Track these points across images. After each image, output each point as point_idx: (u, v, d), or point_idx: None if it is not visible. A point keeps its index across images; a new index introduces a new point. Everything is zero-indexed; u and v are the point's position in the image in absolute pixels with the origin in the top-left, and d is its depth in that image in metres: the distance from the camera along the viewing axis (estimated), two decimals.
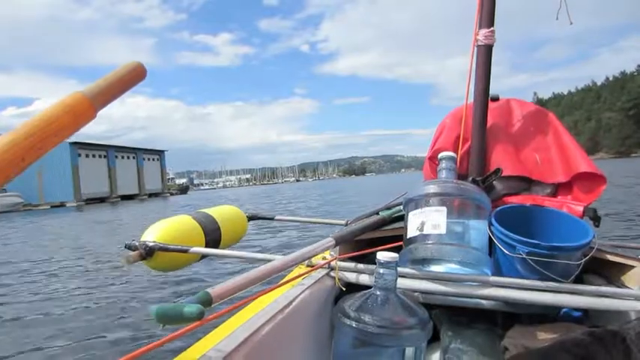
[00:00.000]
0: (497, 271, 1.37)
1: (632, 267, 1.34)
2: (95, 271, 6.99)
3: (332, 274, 1.38)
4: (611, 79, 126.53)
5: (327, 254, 1.45)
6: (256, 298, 1.08)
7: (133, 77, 0.74)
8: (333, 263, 1.38)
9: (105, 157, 58.60)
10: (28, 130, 0.57)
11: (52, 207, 46.34)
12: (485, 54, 1.66)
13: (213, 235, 1.81)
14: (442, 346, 1.30)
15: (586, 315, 1.39)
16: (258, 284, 0.99)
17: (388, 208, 1.75)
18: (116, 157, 60.66)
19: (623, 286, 1.37)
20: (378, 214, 1.73)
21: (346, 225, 2.12)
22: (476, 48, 1.66)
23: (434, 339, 1.27)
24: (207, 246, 1.74)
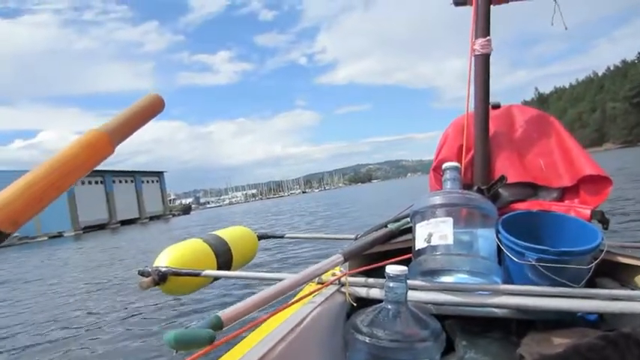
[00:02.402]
0: (508, 279, 1.39)
1: None
2: (101, 298, 7.02)
3: (342, 289, 1.41)
4: (612, 68, 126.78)
5: (337, 270, 1.49)
6: (268, 318, 1.11)
7: (150, 110, 0.76)
8: (343, 279, 1.41)
9: (102, 182, 58.82)
10: (45, 170, 0.58)
11: (49, 238, 46.31)
12: (483, 63, 1.71)
13: (224, 257, 1.85)
14: (457, 356, 1.33)
15: (601, 319, 1.40)
16: (269, 304, 1.03)
17: (396, 220, 1.79)
18: (113, 181, 60.88)
19: (636, 287, 1.39)
20: (386, 226, 1.76)
21: (355, 239, 2.15)
22: (473, 57, 1.71)
23: (448, 350, 1.30)
24: (218, 268, 1.78)
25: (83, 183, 54.42)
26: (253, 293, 1.02)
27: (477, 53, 1.69)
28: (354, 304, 1.35)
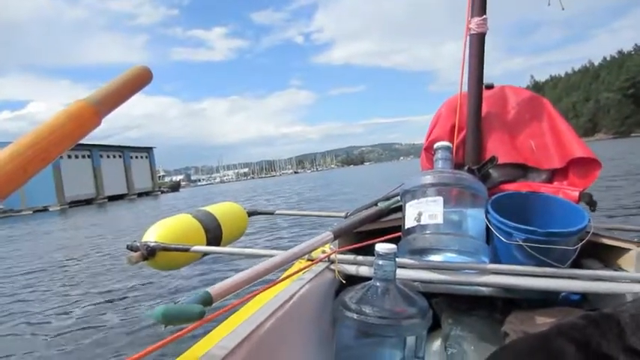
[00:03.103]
0: (495, 259, 1.42)
1: (628, 250, 1.39)
2: (90, 275, 7.02)
3: (332, 267, 1.42)
4: (608, 58, 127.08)
5: (326, 248, 1.50)
6: (257, 294, 1.11)
7: (138, 82, 0.74)
8: (332, 256, 1.43)
9: (89, 157, 58.04)
10: (31, 141, 0.58)
11: (34, 212, 45.88)
12: (478, 42, 1.70)
13: (214, 233, 1.86)
14: (443, 333, 1.36)
15: (585, 298, 1.44)
16: (259, 281, 1.03)
17: (387, 199, 1.80)
18: (101, 156, 60.07)
19: (619, 269, 1.42)
20: (377, 205, 1.78)
21: (346, 217, 2.16)
22: (468, 36, 1.70)
23: (435, 327, 1.34)
24: (208, 244, 1.78)
25: (70, 157, 53.55)
26: (243, 269, 1.02)
27: (472, 32, 1.68)
28: (343, 282, 1.37)
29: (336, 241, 1.52)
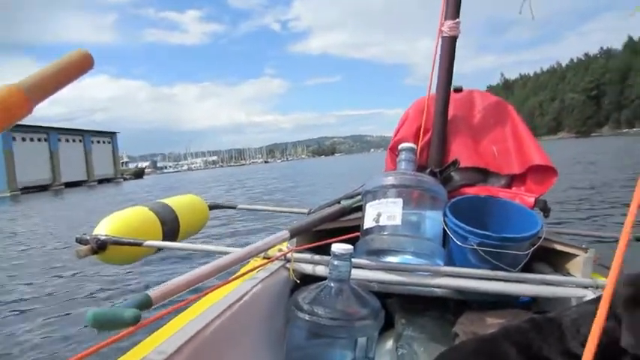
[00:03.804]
0: (450, 261, 1.46)
1: (576, 255, 1.45)
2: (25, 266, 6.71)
3: (287, 266, 1.43)
4: (575, 60, 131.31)
5: (283, 246, 1.50)
6: (208, 293, 1.10)
7: (77, 68, 0.69)
8: (289, 255, 1.43)
9: (46, 140, 54.86)
10: None
11: None
12: (450, 45, 1.72)
13: (170, 226, 1.83)
14: (395, 333, 1.39)
15: (534, 301, 1.50)
16: (210, 279, 1.03)
17: (350, 197, 1.81)
18: (59, 139, 56.94)
19: (567, 273, 1.49)
20: (339, 202, 1.79)
21: (308, 214, 2.17)
22: (440, 39, 1.72)
23: (388, 327, 1.36)
24: (164, 237, 1.75)
25: (24, 139, 50.32)
26: (200, 265, 1.01)
27: (444, 35, 1.70)
28: (297, 281, 1.38)
29: (294, 240, 1.52)
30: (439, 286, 1.36)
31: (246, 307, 1.13)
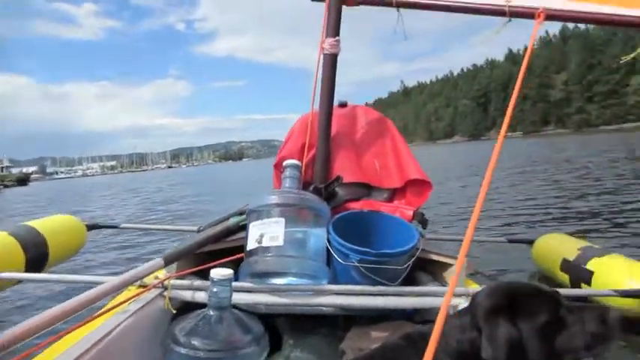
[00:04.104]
0: (335, 278, 1.46)
1: (451, 265, 1.53)
2: None
3: (165, 294, 1.34)
4: (465, 70, 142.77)
5: (161, 272, 1.40)
6: (72, 331, 0.99)
7: None
8: (166, 282, 1.34)
9: None
10: None
11: None
12: (331, 62, 1.74)
13: (36, 253, 1.64)
14: (283, 355, 1.36)
15: (417, 310, 1.55)
16: (77, 314, 0.92)
17: (240, 213, 1.76)
18: None
19: (444, 282, 1.56)
20: (229, 219, 1.73)
21: (198, 231, 2.08)
22: (322, 56, 1.74)
23: (278, 347, 1.33)
24: (27, 267, 1.57)
25: None
26: (68, 297, 0.90)
27: (325, 52, 1.72)
28: (173, 311, 1.30)
29: (174, 265, 1.44)
30: (325, 305, 1.36)
31: (115, 343, 1.03)
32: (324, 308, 1.39)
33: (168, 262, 1.33)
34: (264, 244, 1.37)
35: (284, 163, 1.61)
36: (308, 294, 1.35)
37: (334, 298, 1.35)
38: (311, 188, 1.64)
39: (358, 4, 1.75)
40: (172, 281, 1.35)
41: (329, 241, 1.44)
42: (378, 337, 1.35)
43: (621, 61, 1.96)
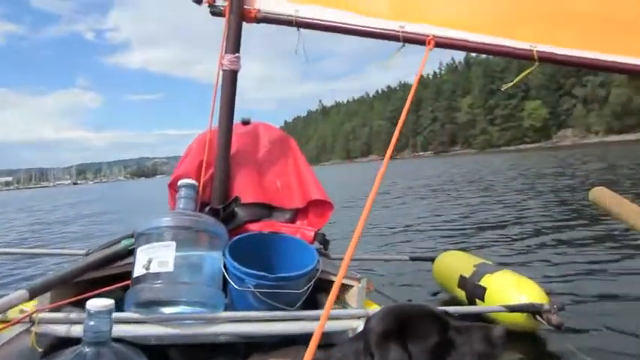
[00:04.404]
0: (232, 304, 1.40)
1: (352, 286, 1.52)
2: None
3: (33, 329, 1.19)
4: (380, 91, 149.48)
5: (29, 305, 1.24)
6: None
7: None
8: (34, 316, 1.19)
9: None
10: None
11: None
12: (230, 79, 1.70)
13: None
14: None
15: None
16: None
17: (132, 236, 1.63)
18: None
19: (347, 304, 1.55)
20: (120, 242, 1.60)
21: (86, 254, 1.91)
22: (221, 72, 1.69)
23: None
24: None
25: None
26: None
27: (224, 68, 1.68)
28: (40, 350, 1.15)
29: (47, 295, 1.28)
30: (221, 334, 1.29)
31: None
32: (220, 337, 1.32)
33: (35, 293, 1.19)
34: (152, 270, 1.27)
35: (179, 183, 1.53)
36: (201, 323, 1.27)
37: (230, 325, 1.28)
38: (207, 209, 1.57)
39: (258, 21, 1.73)
40: (43, 314, 1.20)
41: (225, 266, 1.38)
42: None
43: (503, 89, 2.12)
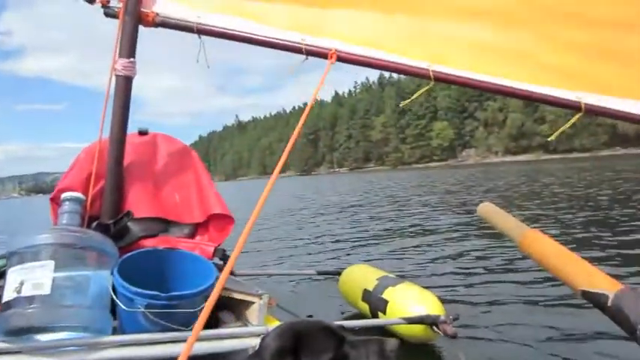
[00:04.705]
0: (121, 327, 1.30)
1: (253, 303, 1.49)
2: None
3: None
4: (297, 108, 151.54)
5: None
6: None
7: None
8: None
9: None
10: None
11: None
12: (124, 85, 1.61)
13: None
14: None
15: (220, 354, 1.46)
16: None
17: (3, 257, 1.47)
18: None
19: (247, 321, 1.51)
20: None
21: None
22: (114, 77, 1.59)
23: None
24: None
25: None
26: None
27: (118, 74, 1.58)
28: None
29: None
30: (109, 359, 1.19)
31: None
32: None
33: None
34: (25, 293, 1.15)
35: (62, 196, 1.41)
36: (84, 349, 1.17)
37: (119, 350, 1.19)
38: (94, 225, 1.46)
39: (157, 25, 1.66)
40: None
41: (113, 286, 1.28)
42: None
43: (401, 105, 2.24)
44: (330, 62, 1.51)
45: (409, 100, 1.90)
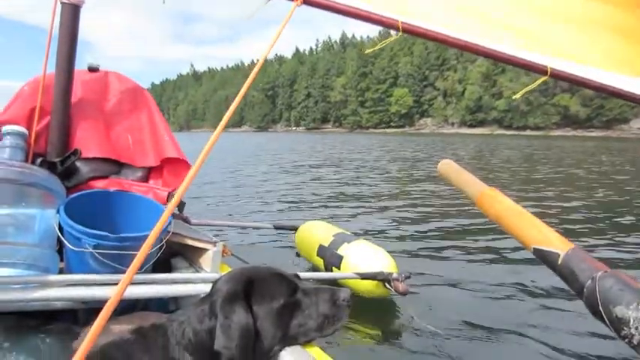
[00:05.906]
0: (68, 267, 1.28)
1: (207, 250, 1.49)
2: None
3: None
4: (255, 61, 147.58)
5: None
6: None
7: None
8: None
9: None
10: None
11: None
12: (71, 14, 1.50)
13: None
14: None
15: (175, 299, 1.47)
16: None
17: None
18: None
19: (201, 268, 1.51)
20: None
21: None
22: (60, 5, 1.48)
23: None
24: None
25: None
26: None
27: (64, 1, 1.47)
28: None
29: None
30: (54, 299, 1.17)
31: None
32: (56, 302, 1.20)
33: None
34: None
35: (3, 129, 1.33)
36: (30, 287, 1.14)
37: (66, 290, 1.17)
38: (39, 161, 1.39)
39: None
40: None
41: (59, 225, 1.24)
42: (119, 330, 1.22)
43: (366, 52, 2.22)
44: (296, 4, 1.46)
45: (376, 48, 1.90)
